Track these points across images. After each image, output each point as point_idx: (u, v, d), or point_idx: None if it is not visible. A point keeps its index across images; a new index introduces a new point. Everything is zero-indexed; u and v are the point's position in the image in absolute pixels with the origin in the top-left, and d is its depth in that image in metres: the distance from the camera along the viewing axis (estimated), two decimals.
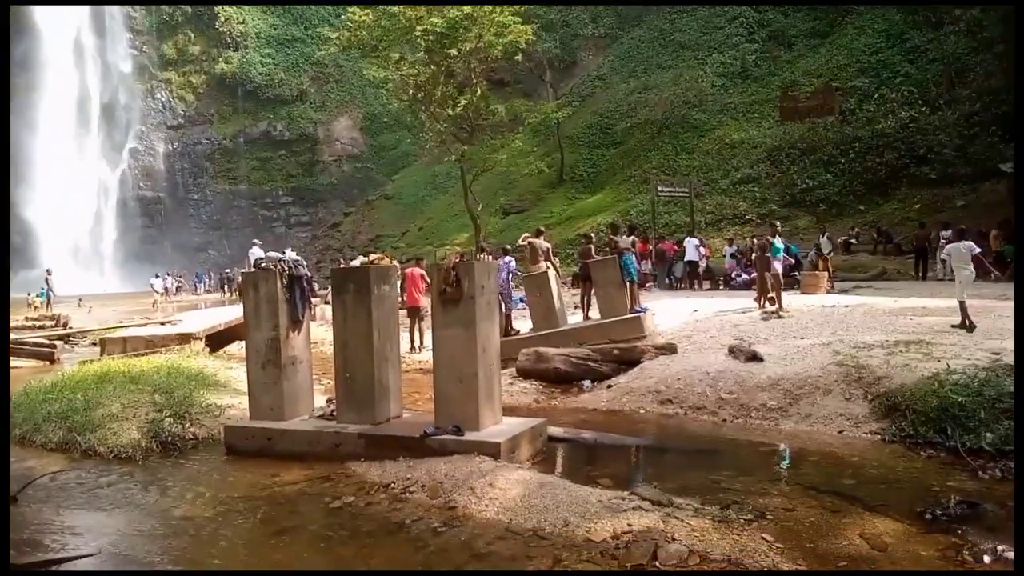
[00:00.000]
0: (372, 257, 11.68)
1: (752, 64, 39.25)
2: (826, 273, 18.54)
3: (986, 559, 4.61)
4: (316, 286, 9.69)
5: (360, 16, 30.31)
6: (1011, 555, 4.59)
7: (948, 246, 11.64)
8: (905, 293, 15.38)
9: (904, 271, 21.17)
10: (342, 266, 15.15)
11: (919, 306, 12.44)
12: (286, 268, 8.55)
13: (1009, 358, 8.10)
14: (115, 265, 54.38)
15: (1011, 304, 11.18)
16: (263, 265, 8.72)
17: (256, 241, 20.87)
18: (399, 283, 16.39)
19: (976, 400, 7.16)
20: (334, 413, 8.22)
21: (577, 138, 41.69)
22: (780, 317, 12.45)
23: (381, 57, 31.43)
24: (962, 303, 10.37)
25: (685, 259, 22.23)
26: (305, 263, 9.28)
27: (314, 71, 55.63)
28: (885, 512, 5.49)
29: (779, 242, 14.52)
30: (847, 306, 13.24)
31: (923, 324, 10.77)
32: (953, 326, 10.32)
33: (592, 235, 18.02)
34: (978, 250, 11.13)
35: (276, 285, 8.41)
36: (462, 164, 31.55)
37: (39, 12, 51.36)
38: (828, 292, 16.97)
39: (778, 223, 16.48)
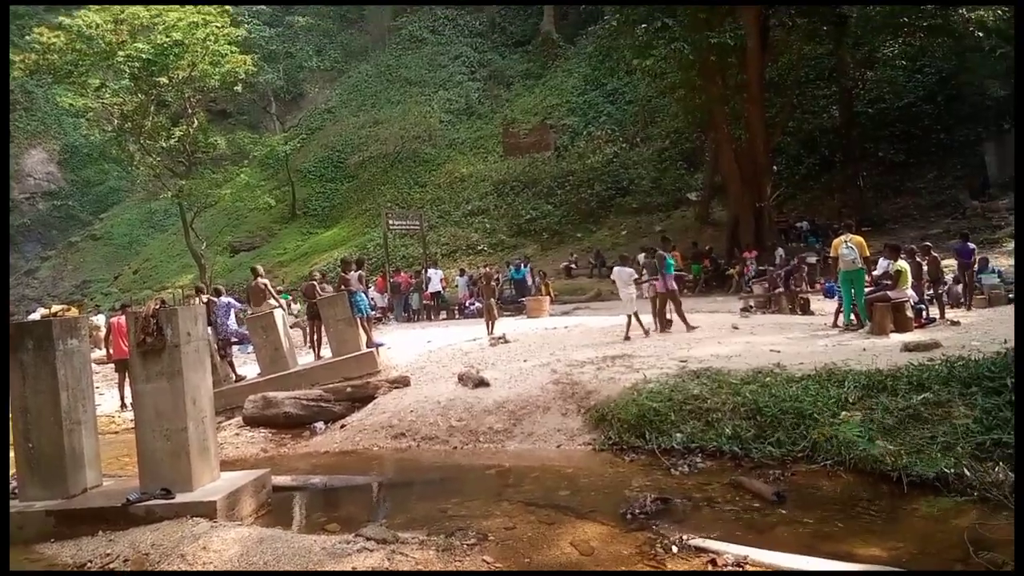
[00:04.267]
0: (55, 309, 10.34)
1: (476, 102, 41.37)
2: (549, 298, 19.90)
3: (674, 549, 5.14)
4: None
5: (50, 38, 27.01)
6: (696, 543, 5.16)
7: (615, 269, 13.31)
8: (616, 311, 16.95)
9: (616, 291, 23.32)
10: (16, 321, 13.24)
11: (625, 323, 13.77)
12: None
13: (693, 365, 9.23)
14: None
15: (700, 316, 12.83)
16: None
17: None
18: (105, 334, 14.75)
19: (667, 405, 8.04)
20: (16, 491, 7.09)
21: (308, 172, 40.82)
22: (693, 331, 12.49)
23: (78, 83, 28.21)
24: (630, 317, 12.16)
25: (430, 290, 22.58)
26: None
27: None
28: (594, 518, 5.91)
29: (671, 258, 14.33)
30: (566, 327, 14.28)
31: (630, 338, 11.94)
32: (627, 338, 11.96)
33: (318, 272, 17.64)
34: (635, 276, 13.19)
35: None
36: (180, 200, 29.21)
37: None
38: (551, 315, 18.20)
39: (671, 239, 17.09)
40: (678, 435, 7.64)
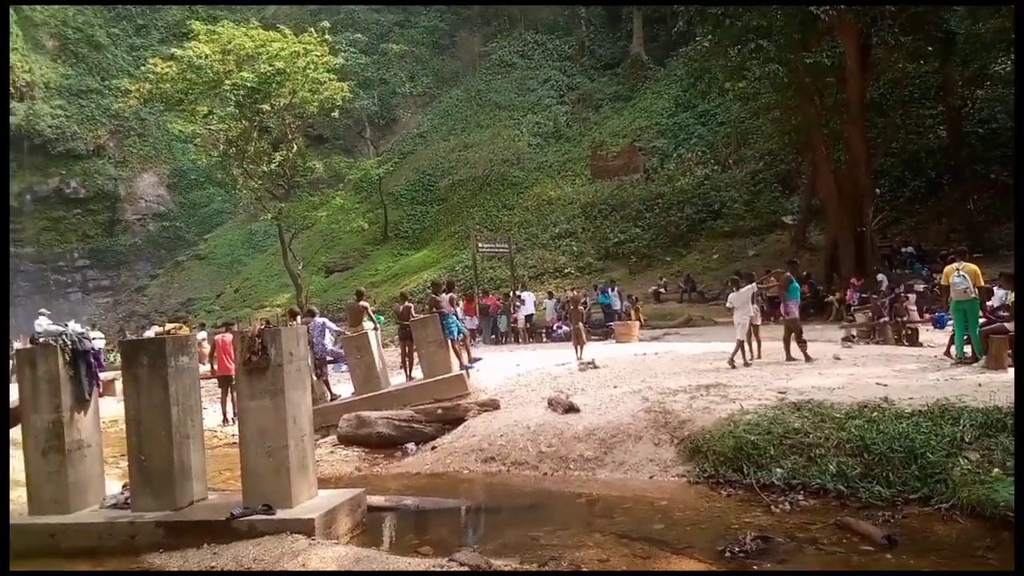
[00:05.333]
0: (168, 327, 10.88)
1: (564, 125, 41.58)
2: (638, 323, 19.62)
3: None
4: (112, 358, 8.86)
5: (163, 68, 28.80)
6: None
7: (731, 295, 12.78)
8: (708, 338, 16.59)
9: (708, 317, 22.83)
10: (131, 338, 13.99)
11: (719, 350, 13.41)
12: (69, 342, 7.75)
13: (792, 397, 8.88)
14: None
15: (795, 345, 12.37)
16: (41, 340, 7.86)
17: (43, 311, 18.74)
18: (210, 350, 15.42)
19: (766, 438, 7.75)
20: (129, 501, 7.47)
21: (400, 195, 41.84)
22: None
23: (188, 111, 29.96)
24: (740, 343, 11.70)
25: (522, 313, 22.69)
26: (99, 339, 8.48)
27: (113, 124, 51.94)
28: (690, 554, 5.74)
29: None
30: (656, 353, 14.03)
31: (722, 367, 11.61)
32: (747, 364, 11.41)
33: (409, 294, 17.98)
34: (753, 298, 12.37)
35: (57, 362, 7.59)
36: (280, 222, 30.48)
37: None
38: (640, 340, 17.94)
39: (797, 261, 16.44)
40: (778, 470, 7.36)
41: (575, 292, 19.65)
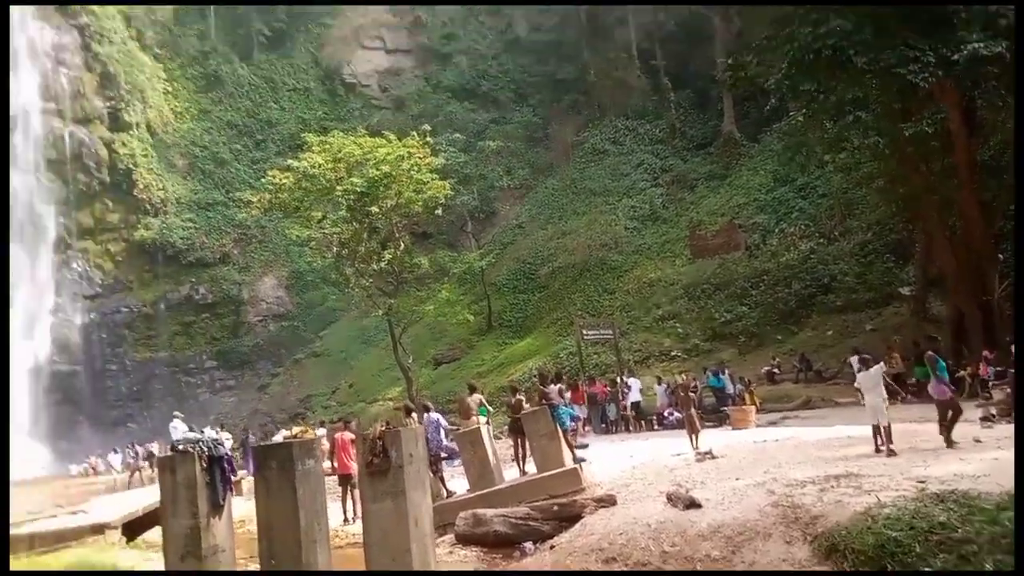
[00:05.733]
0: (295, 431, 11.38)
1: (660, 207, 41.70)
2: (754, 407, 18.93)
3: None
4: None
5: (280, 179, 31.03)
6: None
7: (859, 376, 12.16)
8: (830, 421, 15.79)
9: (828, 397, 21.75)
10: (261, 443, 14.64)
11: (844, 435, 12.77)
12: (205, 449, 8.23)
13: (933, 487, 8.31)
14: (23, 447, 50.85)
15: (929, 427, 11.63)
16: (180, 448, 8.39)
17: (177, 414, 20.06)
18: (329, 449, 15.92)
19: (909, 534, 7.25)
20: None
21: (502, 285, 42.65)
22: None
23: (303, 217, 31.96)
24: (876, 428, 10.86)
25: (629, 400, 22.35)
26: (227, 440, 8.98)
27: (236, 233, 55.88)
28: None
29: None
30: (776, 440, 13.48)
31: (850, 454, 11.02)
32: (878, 451, 10.73)
33: (518, 386, 18.06)
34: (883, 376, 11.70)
35: (194, 468, 8.06)
36: (390, 317, 31.63)
37: None
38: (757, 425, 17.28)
39: (938, 337, 15.53)
40: (926, 568, 6.84)
41: (684, 376, 19.27)
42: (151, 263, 55.48)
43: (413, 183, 30.58)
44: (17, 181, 50.45)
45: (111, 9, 55.84)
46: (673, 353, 30.29)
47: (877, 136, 20.44)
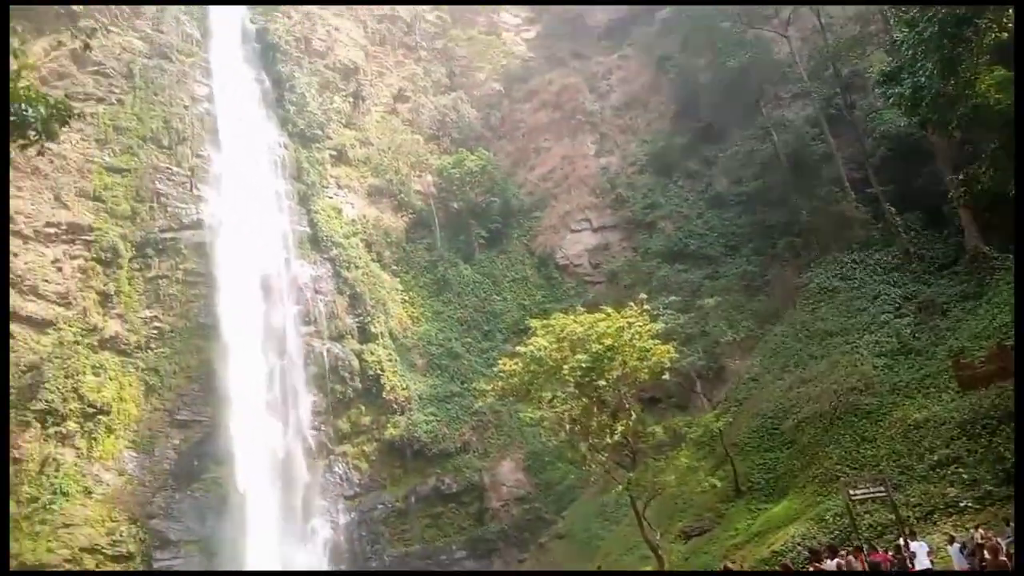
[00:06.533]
0: None
1: (910, 338, 38.12)
2: None
3: None
4: None
5: (510, 366, 32.43)
6: None
7: None
8: None
9: None
10: None
11: None
12: None
13: None
14: None
15: None
16: None
17: None
18: None
19: None
20: None
21: (744, 444, 40.06)
22: None
23: (534, 399, 32.83)
24: None
25: (916, 567, 19.26)
26: None
27: (473, 421, 58.37)
28: None
29: None
30: None
31: None
32: None
33: (790, 564, 16.28)
34: None
35: None
36: (630, 492, 30.64)
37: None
38: None
39: None
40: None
41: (983, 532, 16.31)
42: (400, 459, 59.14)
43: (637, 351, 30.68)
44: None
45: (355, 239, 64.26)
46: (962, 503, 26.07)
47: None
